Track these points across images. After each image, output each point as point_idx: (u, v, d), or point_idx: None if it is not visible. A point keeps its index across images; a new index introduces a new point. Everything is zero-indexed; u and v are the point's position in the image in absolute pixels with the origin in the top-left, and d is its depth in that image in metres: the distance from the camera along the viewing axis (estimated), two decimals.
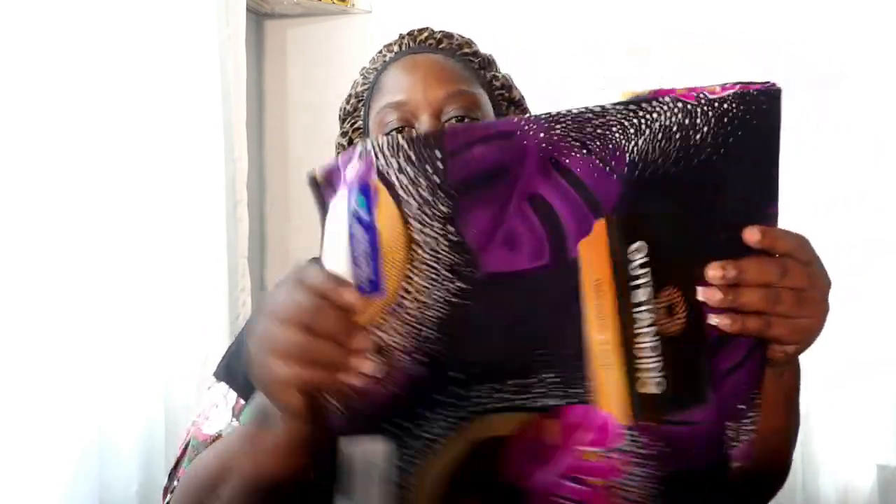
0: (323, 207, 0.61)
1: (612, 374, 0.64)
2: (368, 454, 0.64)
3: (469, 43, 1.05)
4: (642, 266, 0.62)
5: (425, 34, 1.03)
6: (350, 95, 1.06)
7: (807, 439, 1.54)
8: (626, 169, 0.62)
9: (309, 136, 1.79)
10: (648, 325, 0.63)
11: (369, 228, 0.60)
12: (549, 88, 1.63)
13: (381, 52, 1.04)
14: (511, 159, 0.62)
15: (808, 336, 0.64)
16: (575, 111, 0.63)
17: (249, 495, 0.66)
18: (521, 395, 0.64)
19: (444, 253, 0.61)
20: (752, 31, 1.59)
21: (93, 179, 1.19)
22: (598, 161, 0.62)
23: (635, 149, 0.62)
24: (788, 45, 1.56)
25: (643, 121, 0.63)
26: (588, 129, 0.63)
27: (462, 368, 0.63)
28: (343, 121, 1.07)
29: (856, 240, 1.53)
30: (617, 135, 0.63)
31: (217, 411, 0.85)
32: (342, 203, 0.60)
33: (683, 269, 0.62)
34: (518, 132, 0.62)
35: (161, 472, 1.27)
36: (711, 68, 1.59)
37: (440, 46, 1.02)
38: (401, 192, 0.60)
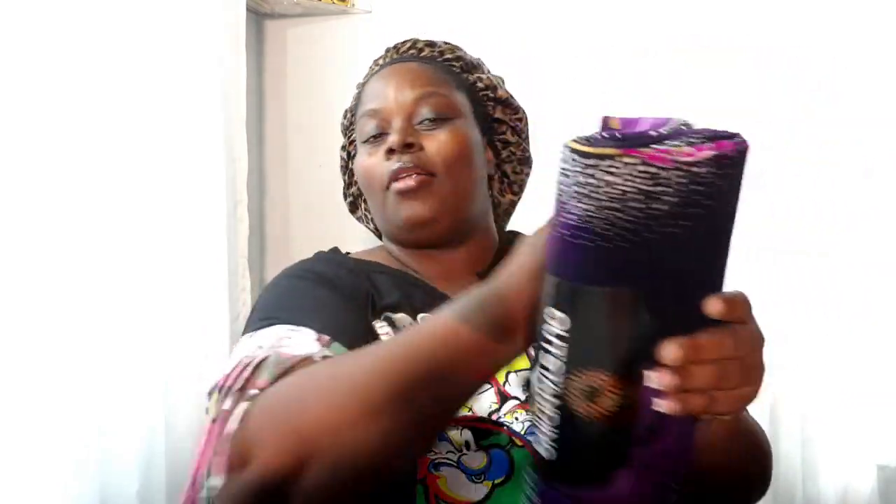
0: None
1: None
2: None
3: (452, 49, 1.07)
4: (559, 337, 0.56)
5: (408, 45, 1.06)
6: (346, 110, 1.10)
7: (807, 439, 1.54)
8: (568, 231, 0.55)
9: (309, 136, 1.79)
10: (551, 395, 0.58)
11: None
12: (553, 89, 1.64)
13: (371, 66, 1.08)
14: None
15: (748, 403, 0.62)
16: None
17: (456, 402, 0.65)
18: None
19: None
20: (758, 33, 1.59)
21: (92, 180, 1.19)
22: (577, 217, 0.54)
23: (582, 212, 0.53)
24: (793, 47, 1.57)
25: (599, 182, 0.52)
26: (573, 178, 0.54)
27: None
28: (343, 135, 1.11)
29: (855, 239, 1.53)
30: (569, 188, 0.54)
31: (293, 341, 0.77)
32: None
33: (619, 355, 0.56)
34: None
35: (161, 472, 1.27)
36: (715, 70, 1.60)
37: (421, 55, 1.04)
38: None
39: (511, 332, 0.61)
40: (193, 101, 1.40)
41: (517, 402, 0.86)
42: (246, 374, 0.73)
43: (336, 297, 0.88)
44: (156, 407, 1.28)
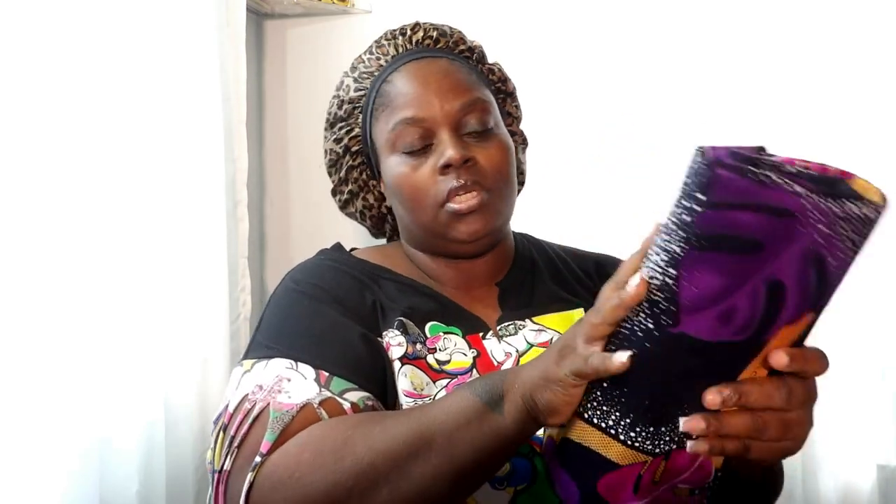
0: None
1: None
2: None
3: (462, 38, 1.03)
4: None
5: (420, 33, 1.00)
6: (342, 100, 1.02)
7: (807, 439, 1.54)
8: (843, 273, 0.60)
9: (309, 136, 1.79)
10: None
11: None
12: (550, 86, 1.64)
13: (373, 54, 1.01)
14: (773, 239, 0.57)
15: (786, 455, 0.64)
16: (857, 211, 0.57)
17: (453, 472, 0.67)
18: (652, 439, 0.64)
19: (654, 286, 0.60)
20: (758, 33, 1.59)
21: (92, 180, 1.19)
22: (850, 263, 0.59)
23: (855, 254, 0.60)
24: (793, 47, 1.56)
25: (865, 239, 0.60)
26: (866, 231, 0.58)
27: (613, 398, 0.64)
28: (333, 125, 1.03)
29: None
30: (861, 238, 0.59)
31: (292, 384, 0.79)
32: None
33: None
34: (797, 217, 0.56)
35: (161, 472, 1.27)
36: (716, 70, 1.60)
37: (438, 46, 1.00)
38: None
39: (501, 402, 0.66)
40: (193, 101, 1.40)
41: None
42: (245, 427, 0.77)
43: (339, 317, 0.87)
44: (156, 407, 1.28)
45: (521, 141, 1.08)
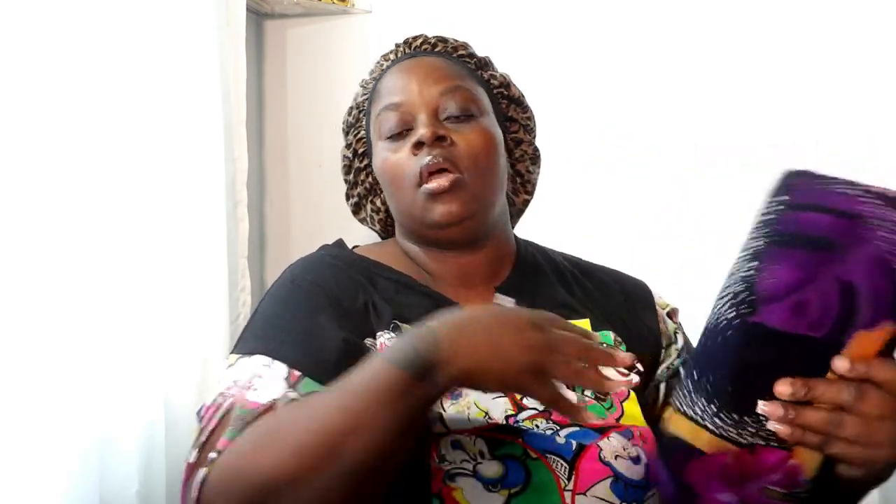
0: None
1: None
2: None
3: (465, 45, 1.05)
4: None
5: (420, 40, 1.03)
6: (351, 108, 1.06)
7: None
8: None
9: (309, 137, 1.79)
10: None
11: None
12: (550, 86, 1.64)
13: (379, 62, 1.05)
14: (841, 241, 0.66)
15: (874, 465, 0.67)
16: None
17: (387, 447, 0.68)
18: (736, 428, 0.69)
19: (734, 278, 0.68)
20: (758, 33, 1.59)
21: (92, 180, 1.19)
22: None
23: None
24: (793, 47, 1.57)
25: None
26: None
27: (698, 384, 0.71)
28: (346, 133, 1.07)
29: None
30: None
31: (263, 381, 0.81)
32: None
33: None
34: (862, 220, 0.66)
35: (161, 472, 1.27)
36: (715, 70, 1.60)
37: (436, 50, 1.02)
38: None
39: (433, 373, 0.68)
40: (193, 100, 1.40)
41: (536, 410, 0.85)
42: (213, 423, 0.79)
43: (326, 319, 0.87)
44: (156, 407, 1.28)
45: (532, 152, 1.07)
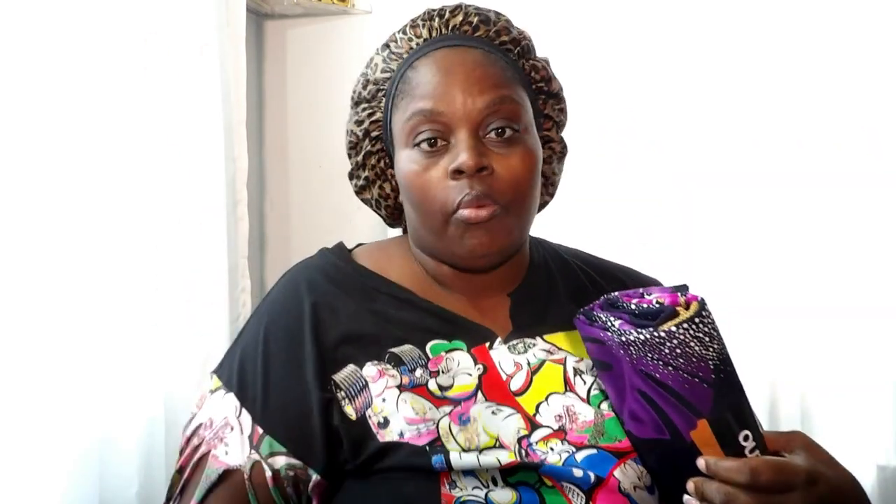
0: None
1: None
2: None
3: (507, 27, 0.93)
4: (751, 451, 0.75)
5: (459, 17, 0.90)
6: (367, 80, 0.93)
7: None
8: (712, 376, 0.74)
9: (309, 136, 1.79)
10: None
11: None
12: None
13: (406, 34, 0.92)
14: (611, 360, 0.78)
15: None
16: (643, 335, 0.74)
17: None
18: None
19: None
20: (758, 32, 1.59)
21: (92, 180, 1.19)
22: (686, 375, 0.74)
23: (715, 354, 0.74)
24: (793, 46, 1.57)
25: (711, 327, 0.75)
26: (666, 352, 0.74)
27: None
28: (357, 105, 0.95)
29: (855, 240, 1.53)
30: (697, 348, 0.74)
31: (232, 435, 0.83)
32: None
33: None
34: (606, 342, 0.78)
35: (161, 472, 1.27)
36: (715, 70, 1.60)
37: (476, 34, 0.90)
38: None
39: None
40: (194, 101, 1.40)
41: (550, 430, 0.83)
42: (188, 472, 0.85)
43: (298, 369, 0.84)
44: (156, 407, 1.28)
45: (560, 149, 0.98)
